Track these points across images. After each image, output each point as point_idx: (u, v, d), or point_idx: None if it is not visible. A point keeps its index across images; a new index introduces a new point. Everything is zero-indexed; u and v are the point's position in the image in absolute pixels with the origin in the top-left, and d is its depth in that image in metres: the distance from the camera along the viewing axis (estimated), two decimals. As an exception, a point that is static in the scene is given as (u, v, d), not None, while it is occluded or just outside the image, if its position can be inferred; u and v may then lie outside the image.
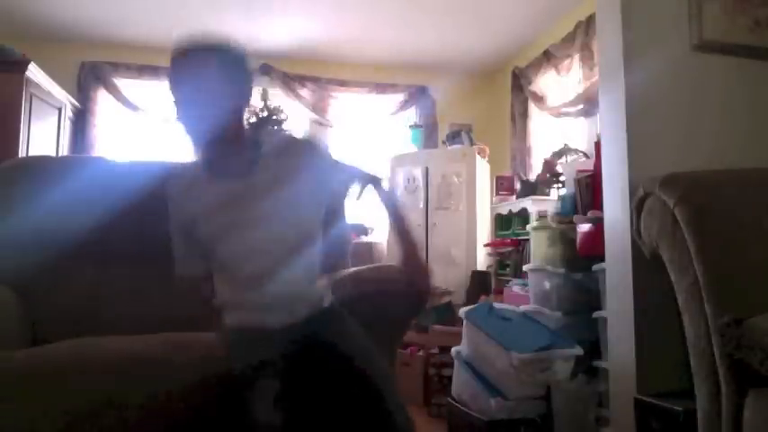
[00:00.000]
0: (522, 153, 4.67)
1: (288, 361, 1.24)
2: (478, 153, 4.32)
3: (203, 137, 1.26)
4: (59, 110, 4.21)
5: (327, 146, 1.53)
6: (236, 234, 1.30)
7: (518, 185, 4.08)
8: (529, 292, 2.71)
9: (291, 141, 1.42)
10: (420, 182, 4.31)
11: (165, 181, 1.39)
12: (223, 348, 1.30)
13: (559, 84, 4.21)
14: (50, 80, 4.00)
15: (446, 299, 3.59)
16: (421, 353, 3.23)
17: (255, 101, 4.54)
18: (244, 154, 1.32)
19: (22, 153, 3.56)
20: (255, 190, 1.31)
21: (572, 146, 3.91)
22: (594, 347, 2.30)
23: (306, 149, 1.39)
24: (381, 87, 5.20)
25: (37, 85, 3.81)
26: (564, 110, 4.11)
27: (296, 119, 4.84)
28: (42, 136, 3.93)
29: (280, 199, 1.31)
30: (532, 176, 4.17)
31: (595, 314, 2.25)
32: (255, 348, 1.25)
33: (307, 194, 1.35)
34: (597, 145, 2.26)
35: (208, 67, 1.22)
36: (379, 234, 4.55)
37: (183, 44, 1.24)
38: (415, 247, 1.38)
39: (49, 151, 4.03)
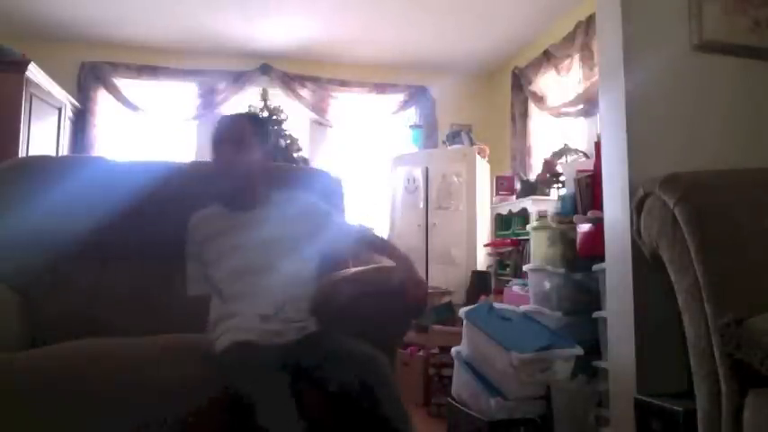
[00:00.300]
0: (522, 153, 4.67)
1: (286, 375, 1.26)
2: (478, 153, 4.32)
3: (232, 176, 1.55)
4: (59, 110, 4.22)
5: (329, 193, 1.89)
6: (232, 256, 1.51)
7: (518, 185, 4.08)
8: (529, 292, 2.71)
9: (301, 184, 1.74)
10: (420, 182, 4.32)
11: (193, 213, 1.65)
12: (218, 376, 1.30)
13: (559, 84, 4.21)
14: (50, 80, 4.00)
15: (446, 299, 3.60)
16: (421, 353, 3.22)
17: (257, 102, 4.55)
18: (256, 190, 1.59)
19: (22, 153, 3.56)
20: (257, 221, 1.55)
21: (572, 146, 3.91)
22: (594, 347, 2.30)
23: (315, 203, 1.68)
24: (381, 87, 5.20)
25: (37, 85, 3.81)
26: (564, 110, 4.11)
27: (296, 119, 4.84)
28: (42, 136, 3.93)
29: (277, 232, 1.54)
30: (532, 176, 4.17)
31: (595, 314, 2.25)
32: (248, 364, 1.28)
33: (302, 232, 1.59)
34: (597, 145, 2.26)
35: (243, 129, 1.59)
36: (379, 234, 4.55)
37: (227, 114, 1.66)
38: (408, 261, 1.54)
39: (49, 151, 4.03)
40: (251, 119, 1.70)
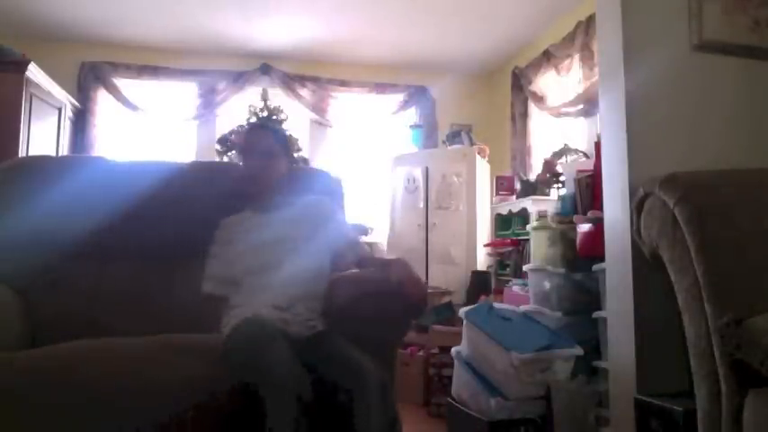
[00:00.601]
0: (522, 153, 4.66)
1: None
2: (478, 153, 4.32)
3: (259, 181, 1.71)
4: (59, 110, 4.21)
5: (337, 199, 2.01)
6: (251, 254, 1.62)
7: (518, 185, 4.07)
8: (529, 292, 2.71)
9: (317, 191, 1.89)
10: (420, 182, 4.31)
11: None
12: (222, 362, 1.35)
13: (559, 84, 4.21)
14: (50, 80, 4.00)
15: (446, 299, 3.59)
16: (421, 353, 3.22)
17: (257, 102, 4.55)
18: (277, 194, 1.74)
19: (22, 153, 3.56)
20: (276, 222, 1.69)
21: (572, 146, 3.91)
22: (594, 347, 2.30)
23: (325, 202, 1.83)
24: (381, 87, 5.20)
25: (37, 85, 3.80)
26: (564, 110, 4.10)
27: (296, 119, 4.84)
28: (42, 136, 3.93)
29: (292, 232, 1.67)
30: (532, 176, 4.16)
31: (595, 314, 2.25)
32: (255, 331, 1.35)
33: (315, 234, 1.70)
34: (597, 145, 2.26)
35: (270, 137, 1.78)
36: (379, 234, 4.56)
37: (257, 123, 1.94)
38: (404, 262, 1.61)
39: (49, 151, 4.03)
40: (278, 132, 1.91)
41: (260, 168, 1.71)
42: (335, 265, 1.72)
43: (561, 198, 2.77)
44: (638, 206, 1.62)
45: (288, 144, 1.88)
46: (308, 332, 1.49)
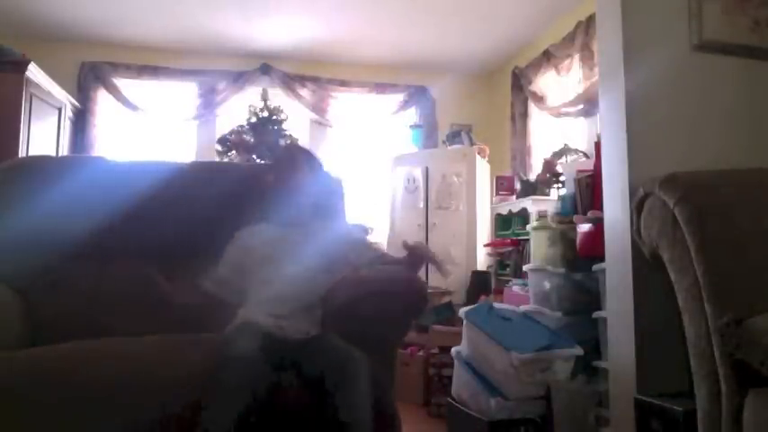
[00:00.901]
0: (522, 153, 4.66)
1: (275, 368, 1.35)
2: (478, 153, 4.32)
3: (287, 197, 1.76)
4: (59, 110, 4.21)
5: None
6: (262, 265, 1.65)
7: (518, 185, 4.08)
8: (529, 292, 2.70)
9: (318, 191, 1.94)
10: (420, 182, 4.31)
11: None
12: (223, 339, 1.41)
13: (559, 84, 4.21)
14: (50, 80, 4.00)
15: (446, 299, 3.59)
16: (421, 353, 3.23)
17: (257, 102, 4.55)
18: (298, 208, 1.77)
19: (22, 153, 3.56)
20: (289, 238, 1.71)
21: (572, 146, 3.91)
22: (594, 347, 2.30)
23: (346, 224, 1.98)
24: (381, 87, 5.20)
25: (37, 85, 3.80)
26: (564, 110, 4.11)
27: (296, 119, 4.84)
28: (42, 136, 3.93)
29: (301, 249, 1.70)
30: (532, 176, 4.16)
31: (595, 314, 2.25)
32: (255, 336, 1.39)
33: (325, 250, 1.73)
34: (597, 145, 2.26)
35: (303, 160, 1.89)
36: (379, 234, 4.55)
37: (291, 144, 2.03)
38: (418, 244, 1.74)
39: (49, 151, 4.03)
40: (309, 153, 2.02)
41: (289, 183, 1.78)
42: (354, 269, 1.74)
43: (561, 198, 2.77)
44: (638, 206, 1.62)
45: (317, 165, 1.96)
46: (302, 336, 1.49)
